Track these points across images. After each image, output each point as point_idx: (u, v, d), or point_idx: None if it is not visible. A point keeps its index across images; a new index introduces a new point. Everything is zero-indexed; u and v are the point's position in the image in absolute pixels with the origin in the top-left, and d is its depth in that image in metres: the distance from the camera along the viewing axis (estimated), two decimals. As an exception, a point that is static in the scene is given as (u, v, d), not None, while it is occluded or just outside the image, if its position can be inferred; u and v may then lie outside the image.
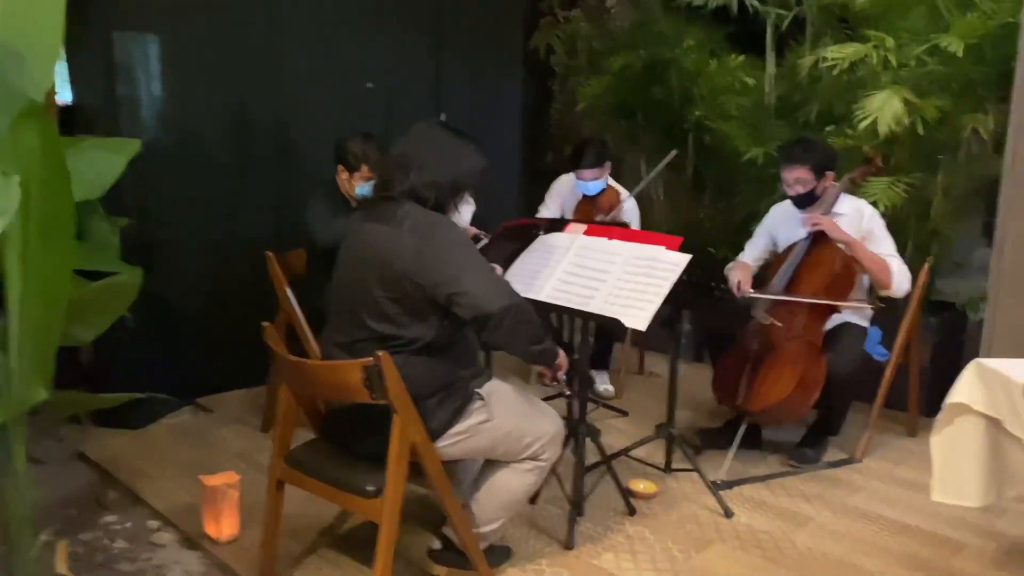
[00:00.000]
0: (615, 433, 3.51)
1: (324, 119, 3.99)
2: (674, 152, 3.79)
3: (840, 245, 3.11)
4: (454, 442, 2.15)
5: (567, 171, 4.03)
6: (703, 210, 4.74)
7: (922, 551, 2.62)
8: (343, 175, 3.18)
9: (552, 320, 4.12)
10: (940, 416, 2.17)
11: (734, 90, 4.39)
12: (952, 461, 2.16)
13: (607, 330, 3.89)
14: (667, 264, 2.47)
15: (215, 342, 3.81)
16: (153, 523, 2.77)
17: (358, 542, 2.63)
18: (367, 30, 4.16)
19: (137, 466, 3.16)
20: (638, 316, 2.38)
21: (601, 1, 5.82)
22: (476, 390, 2.19)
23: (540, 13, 5.86)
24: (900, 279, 3.10)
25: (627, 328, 3.96)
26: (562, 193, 4.05)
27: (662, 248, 2.53)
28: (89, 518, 2.80)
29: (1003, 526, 2.79)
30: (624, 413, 3.78)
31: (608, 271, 2.55)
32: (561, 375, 2.31)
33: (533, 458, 2.26)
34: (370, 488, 2.06)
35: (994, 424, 2.08)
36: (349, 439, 2.21)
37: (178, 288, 3.70)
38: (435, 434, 2.11)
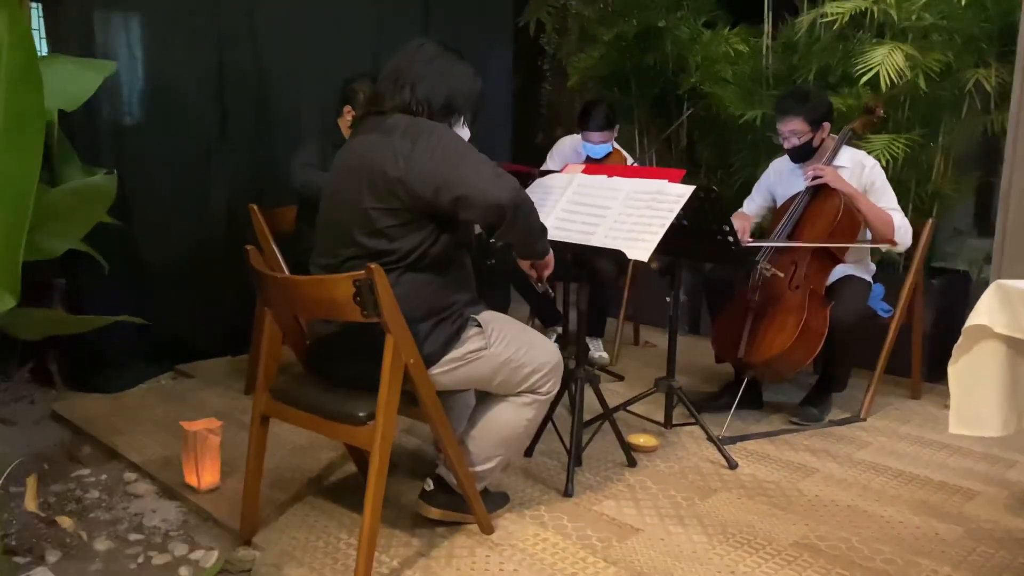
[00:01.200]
0: (611, 396, 3.34)
1: (306, 79, 3.87)
2: (689, 111, 3.68)
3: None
4: (449, 369, 2.04)
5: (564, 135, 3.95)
6: (699, 180, 4.65)
7: (933, 498, 2.53)
8: (348, 116, 3.12)
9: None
10: (959, 343, 2.07)
11: (729, 59, 4.33)
12: (971, 389, 2.05)
13: (601, 300, 3.79)
14: (671, 196, 2.37)
15: (196, 306, 3.68)
16: (130, 475, 2.63)
17: (345, 490, 2.51)
18: (351, 4, 4.03)
19: (113, 424, 3.02)
20: (642, 248, 2.28)
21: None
22: (472, 316, 2.08)
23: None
24: (903, 233, 3.02)
25: (622, 296, 3.97)
26: (564, 154, 3.94)
27: (665, 181, 2.44)
28: (61, 472, 2.66)
29: (1014, 475, 2.70)
30: (620, 378, 3.67)
31: (609, 206, 2.45)
32: (547, 273, 2.30)
33: (531, 391, 2.14)
34: (361, 414, 1.94)
35: (1016, 347, 1.98)
36: (337, 367, 2.09)
37: (156, 249, 3.57)
38: (429, 360, 2.00)
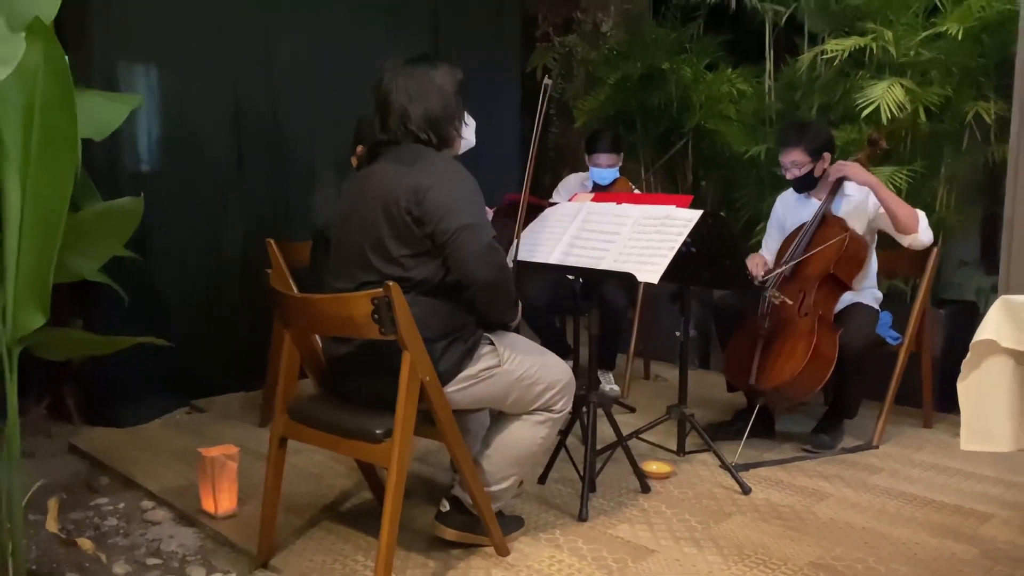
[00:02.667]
0: (624, 426, 3.34)
1: (318, 119, 3.97)
2: (686, 138, 3.76)
3: (854, 197, 3.14)
4: (463, 387, 2.07)
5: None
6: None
7: (948, 520, 2.52)
8: (361, 153, 3.19)
9: (556, 322, 4.07)
10: (967, 359, 2.09)
11: (732, 98, 4.43)
12: (980, 405, 2.07)
13: (612, 332, 3.83)
14: (679, 220, 2.43)
15: (211, 342, 3.73)
16: (147, 503, 2.65)
17: (360, 515, 2.53)
18: (361, 38, 4.14)
19: (130, 455, 3.05)
20: (651, 270, 2.32)
21: (596, 25, 5.93)
22: (485, 335, 2.12)
23: (536, 39, 5.96)
24: (924, 225, 3.04)
25: (632, 330, 4.01)
26: (570, 189, 4.00)
27: (673, 207, 2.50)
28: (80, 500, 2.68)
29: (1029, 499, 2.70)
30: (632, 409, 3.68)
31: (619, 231, 2.50)
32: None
33: (545, 408, 2.18)
34: (378, 431, 1.97)
35: (1023, 361, 2.01)
36: (353, 386, 2.12)
37: (172, 284, 3.63)
38: (444, 378, 2.03)
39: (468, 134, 2.23)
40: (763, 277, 3.11)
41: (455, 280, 2.06)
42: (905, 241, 3.09)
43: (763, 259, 3.33)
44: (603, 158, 3.74)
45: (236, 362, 3.80)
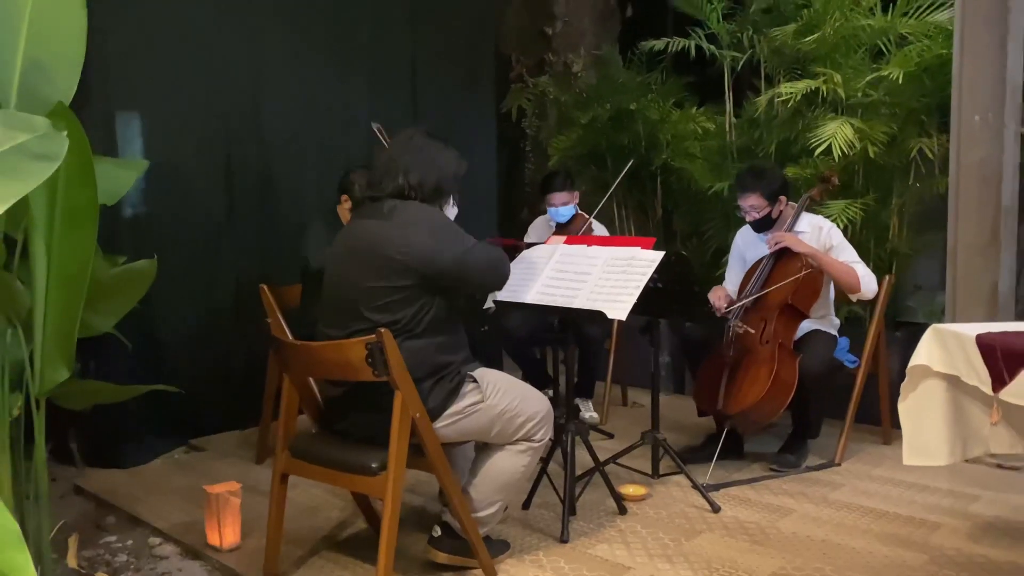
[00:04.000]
0: (601, 452, 3.53)
1: (305, 169, 4.19)
2: (632, 161, 3.98)
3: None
4: (450, 423, 2.27)
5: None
6: (675, 248, 4.96)
7: (901, 531, 2.73)
8: (346, 204, 3.38)
9: (536, 353, 4.27)
10: (905, 382, 2.32)
11: (696, 135, 4.69)
12: (919, 423, 2.30)
13: (589, 363, 4.04)
14: (644, 261, 2.65)
15: (206, 383, 3.89)
16: (155, 539, 2.81)
17: (356, 544, 2.70)
18: (344, 87, 4.38)
19: (134, 494, 3.20)
20: (620, 308, 2.54)
21: (568, 66, 6.20)
22: (469, 373, 2.32)
23: (510, 80, 6.23)
24: (867, 280, 3.28)
25: (608, 359, 4.21)
26: (538, 231, 4.25)
27: (638, 248, 2.71)
28: (89, 539, 2.83)
29: (976, 509, 2.91)
30: (610, 435, 3.88)
31: (589, 272, 2.72)
32: None
33: (526, 438, 2.37)
34: (374, 465, 2.16)
35: (953, 382, 2.23)
36: (349, 424, 2.31)
37: (168, 328, 3.79)
38: (432, 415, 2.23)
39: (449, 214, 2.43)
40: (725, 309, 3.33)
41: (437, 315, 2.26)
42: (853, 298, 3.34)
43: (725, 291, 3.55)
44: (557, 197, 3.99)
45: (231, 402, 3.96)
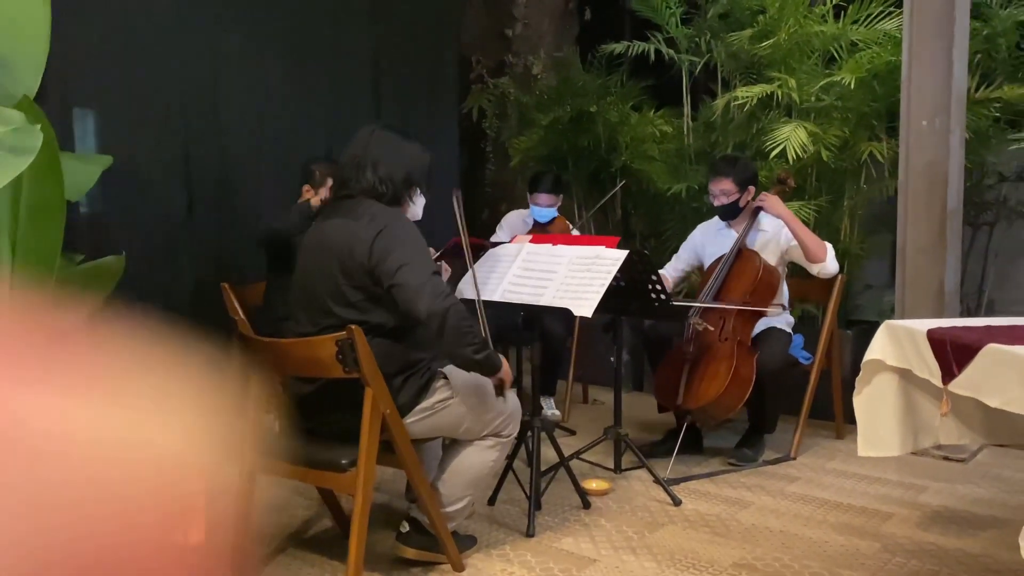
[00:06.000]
0: (565, 448, 3.59)
1: (265, 165, 4.17)
2: (622, 183, 4.06)
3: (768, 232, 3.47)
4: (420, 418, 2.29)
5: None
6: (634, 247, 5.04)
7: (855, 521, 2.83)
8: (308, 194, 3.38)
9: (500, 353, 4.30)
10: (859, 376, 2.41)
11: (655, 138, 4.77)
12: (872, 416, 2.39)
13: (552, 361, 4.08)
14: (608, 260, 2.70)
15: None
16: (115, 540, 2.77)
17: (323, 542, 2.70)
18: (305, 85, 4.36)
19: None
20: (585, 305, 2.59)
21: (528, 68, 6.25)
22: (439, 369, 2.34)
23: (471, 81, 6.26)
24: (831, 256, 3.37)
25: (570, 358, 4.27)
26: (513, 225, 4.26)
27: (603, 247, 2.77)
28: (48, 541, 2.78)
29: (925, 499, 3.02)
30: (572, 432, 3.93)
31: (555, 270, 2.76)
32: (508, 388, 2.41)
33: (494, 434, 2.40)
34: (344, 462, 2.17)
35: (905, 376, 2.32)
36: (318, 421, 2.32)
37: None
38: (402, 411, 2.25)
39: (417, 206, 2.44)
40: (683, 303, 3.39)
41: (409, 325, 2.27)
42: (814, 270, 3.42)
43: (667, 280, 3.62)
44: (543, 198, 4.02)
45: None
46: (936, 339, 2.15)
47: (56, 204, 1.90)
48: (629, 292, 2.98)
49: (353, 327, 2.06)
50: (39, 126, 1.55)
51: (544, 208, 4.03)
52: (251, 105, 4.14)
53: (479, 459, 2.40)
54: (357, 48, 4.62)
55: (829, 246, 3.39)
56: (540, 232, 4.07)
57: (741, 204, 3.50)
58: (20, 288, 1.91)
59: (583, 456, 3.28)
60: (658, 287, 2.92)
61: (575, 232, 4.09)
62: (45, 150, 1.90)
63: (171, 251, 3.92)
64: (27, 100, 1.91)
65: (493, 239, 4.24)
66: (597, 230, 5.18)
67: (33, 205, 1.90)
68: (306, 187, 3.50)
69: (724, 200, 3.48)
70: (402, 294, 2.16)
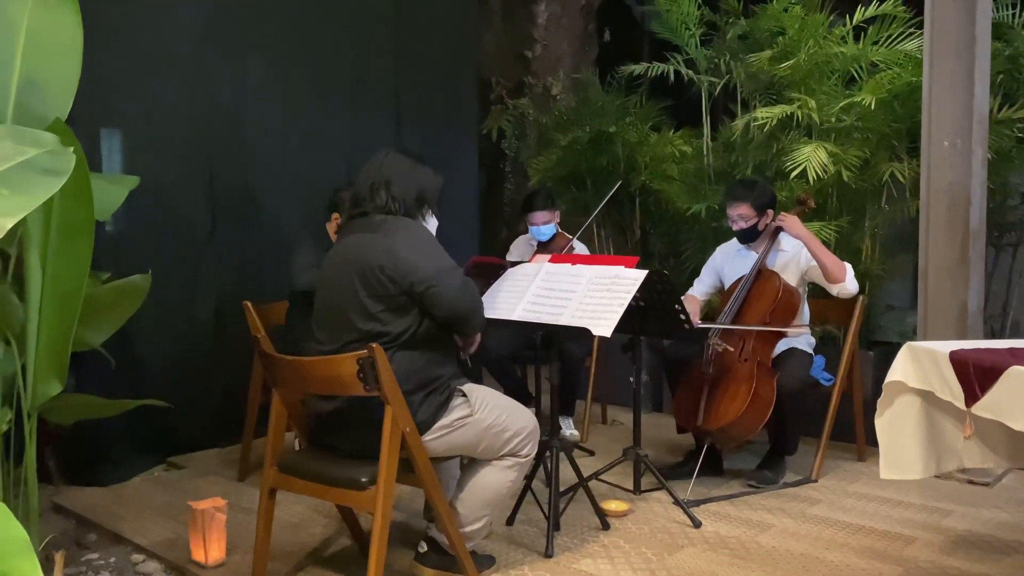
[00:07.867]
0: (583, 468, 3.59)
1: (288, 187, 4.22)
2: (619, 183, 4.06)
3: (787, 252, 3.46)
4: (439, 436, 2.30)
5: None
6: (653, 268, 5.03)
7: (877, 544, 2.80)
8: (336, 221, 3.42)
9: (517, 372, 4.31)
10: (881, 398, 2.39)
11: (674, 158, 4.79)
12: (894, 438, 2.37)
13: (570, 381, 4.08)
14: (627, 280, 2.70)
15: (187, 400, 3.87)
16: (138, 556, 2.80)
17: (341, 560, 2.71)
18: (327, 109, 4.41)
19: (115, 512, 3.18)
20: (605, 325, 2.59)
21: (547, 89, 6.31)
22: (458, 387, 2.36)
23: (490, 101, 6.32)
24: (851, 276, 3.35)
25: (589, 378, 4.26)
26: (520, 250, 4.30)
27: (622, 267, 2.77)
28: (71, 557, 2.81)
29: (949, 523, 2.98)
30: (591, 453, 3.92)
31: (574, 290, 2.77)
32: (471, 349, 2.61)
33: (512, 454, 2.40)
34: (363, 479, 2.18)
35: (928, 398, 2.30)
36: (338, 439, 2.33)
37: (149, 345, 3.78)
38: (422, 428, 2.25)
39: (429, 226, 2.48)
40: (703, 326, 3.39)
41: (428, 330, 2.30)
42: (834, 290, 3.40)
43: (695, 302, 3.63)
44: (538, 216, 4.04)
45: (212, 419, 3.95)
46: (958, 361, 2.13)
47: (86, 224, 1.93)
48: (648, 312, 2.99)
49: (374, 346, 2.08)
50: (72, 148, 1.59)
51: (542, 226, 4.06)
52: (274, 127, 4.20)
53: (497, 479, 2.40)
54: (378, 69, 4.68)
55: (848, 266, 3.38)
56: (545, 251, 4.09)
57: (760, 227, 3.49)
58: (51, 305, 1.95)
59: (602, 477, 3.27)
60: (678, 307, 2.91)
61: (576, 243, 4.09)
62: (76, 172, 1.94)
63: (194, 270, 3.97)
64: (60, 123, 1.95)
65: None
66: (616, 250, 5.19)
67: (63, 225, 1.93)
68: (335, 215, 3.51)
69: (743, 224, 3.48)
70: (440, 299, 2.28)
